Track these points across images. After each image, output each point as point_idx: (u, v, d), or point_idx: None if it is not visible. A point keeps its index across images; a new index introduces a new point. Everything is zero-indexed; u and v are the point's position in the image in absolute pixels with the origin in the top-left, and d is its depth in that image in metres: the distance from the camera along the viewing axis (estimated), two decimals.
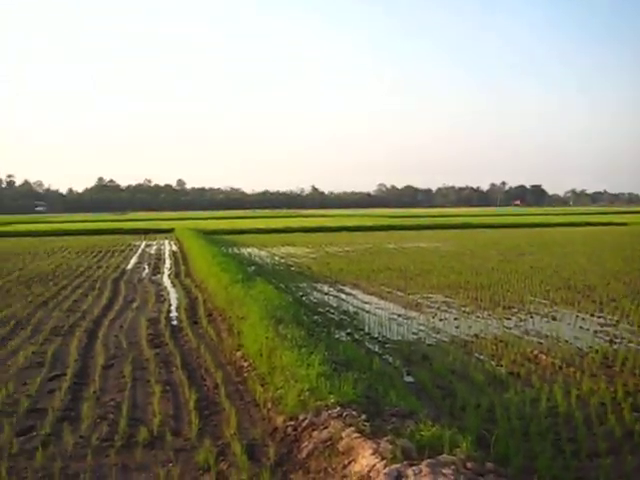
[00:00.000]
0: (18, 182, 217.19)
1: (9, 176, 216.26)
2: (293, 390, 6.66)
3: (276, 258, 26.30)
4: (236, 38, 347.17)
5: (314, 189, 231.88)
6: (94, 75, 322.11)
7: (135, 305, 14.63)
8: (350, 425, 5.66)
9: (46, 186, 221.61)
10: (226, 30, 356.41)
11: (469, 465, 4.71)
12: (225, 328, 11.49)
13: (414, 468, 4.65)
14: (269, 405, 7.06)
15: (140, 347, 10.42)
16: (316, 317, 12.56)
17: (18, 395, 7.92)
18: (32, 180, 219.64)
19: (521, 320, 12.25)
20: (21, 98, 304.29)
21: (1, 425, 6.82)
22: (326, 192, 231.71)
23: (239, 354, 9.37)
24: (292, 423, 6.25)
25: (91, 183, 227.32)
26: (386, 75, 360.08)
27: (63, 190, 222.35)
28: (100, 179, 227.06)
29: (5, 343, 10.87)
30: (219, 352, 9.99)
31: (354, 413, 5.94)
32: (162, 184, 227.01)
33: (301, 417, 6.21)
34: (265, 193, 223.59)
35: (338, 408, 6.06)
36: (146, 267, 23.79)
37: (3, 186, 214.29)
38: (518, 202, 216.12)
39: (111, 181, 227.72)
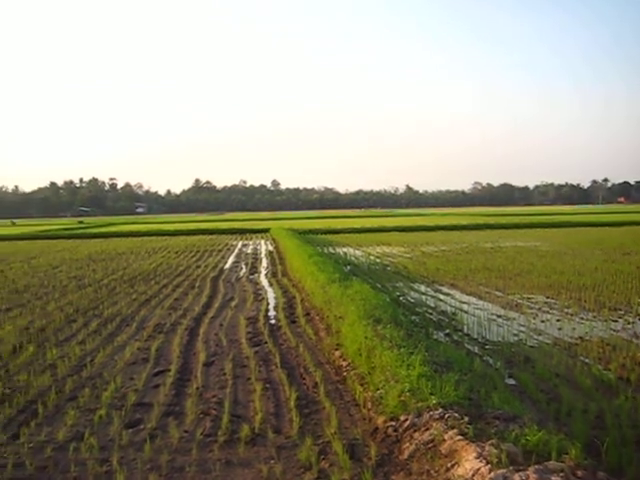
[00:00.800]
0: (120, 185, 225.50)
1: (111, 179, 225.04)
2: (393, 390, 6.62)
3: (371, 258, 26.24)
4: (329, 38, 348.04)
5: (408, 188, 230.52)
6: (192, 81, 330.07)
7: (234, 304, 14.90)
8: (452, 427, 5.58)
9: (146, 188, 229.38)
10: (318, 30, 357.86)
11: (579, 473, 4.54)
12: (323, 327, 11.55)
13: (520, 474, 4.53)
14: (369, 405, 7.04)
15: (240, 345, 10.60)
16: (414, 317, 12.45)
17: (126, 389, 8.20)
18: (133, 183, 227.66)
19: (629, 323, 11.75)
20: (129, 107, 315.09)
21: (111, 417, 7.08)
22: (420, 191, 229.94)
23: (338, 353, 9.40)
24: (393, 424, 6.21)
25: (188, 185, 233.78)
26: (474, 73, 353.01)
27: (162, 192, 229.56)
28: (197, 181, 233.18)
29: (112, 339, 11.27)
30: (317, 351, 10.05)
31: (456, 415, 5.85)
32: (257, 185, 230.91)
33: (402, 418, 6.16)
34: (359, 192, 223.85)
35: (440, 410, 5.98)
36: (243, 266, 24.20)
37: (106, 189, 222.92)
38: (622, 199, 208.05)
39: (207, 182, 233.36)
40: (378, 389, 7.11)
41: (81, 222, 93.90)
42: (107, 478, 5.60)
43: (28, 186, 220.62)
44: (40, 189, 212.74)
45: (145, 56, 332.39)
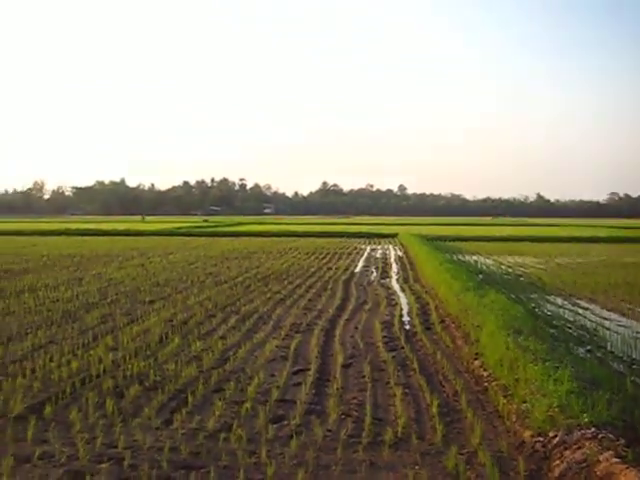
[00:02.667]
0: (249, 185, 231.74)
1: (241, 179, 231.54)
2: (540, 405, 6.46)
3: (503, 267, 25.70)
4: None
5: (539, 197, 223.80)
6: (319, 83, 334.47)
7: (367, 307, 14.99)
8: (608, 449, 5.38)
9: (274, 189, 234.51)
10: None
11: None
12: (460, 336, 11.42)
13: None
14: (513, 418, 6.90)
15: (376, 349, 10.65)
16: (552, 331, 12.08)
17: (268, 385, 8.42)
18: (262, 184, 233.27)
19: None
20: (261, 110, 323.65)
21: (256, 411, 7.30)
22: (552, 200, 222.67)
23: (477, 363, 9.27)
24: (541, 439, 6.07)
25: (315, 187, 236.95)
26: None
27: (289, 193, 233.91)
28: (324, 183, 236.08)
29: (251, 336, 11.61)
30: (455, 359, 9.96)
31: (610, 436, 5.64)
32: (384, 189, 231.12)
33: (551, 434, 6.00)
34: (486, 200, 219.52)
35: (592, 429, 5.78)
36: (374, 270, 24.30)
37: (236, 189, 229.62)
38: None
39: (334, 185, 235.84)
40: (523, 402, 6.97)
41: (205, 220, 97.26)
42: (256, 469, 5.78)
43: (163, 185, 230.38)
44: (174, 188, 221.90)
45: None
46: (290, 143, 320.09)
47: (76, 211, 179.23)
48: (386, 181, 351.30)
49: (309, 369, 9.28)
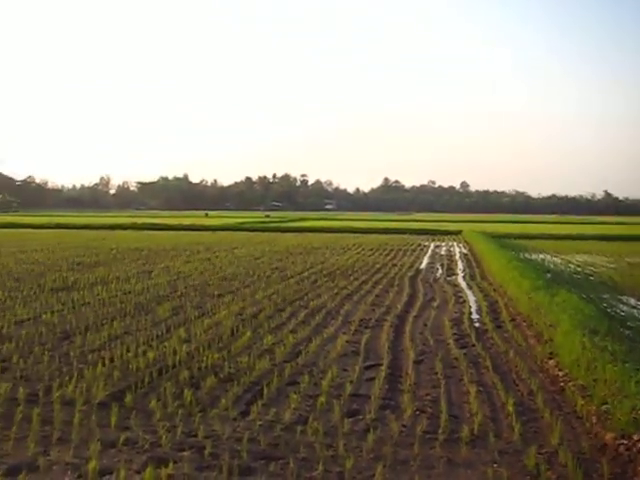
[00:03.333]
0: (310, 181, 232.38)
1: (303, 175, 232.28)
2: (623, 406, 6.33)
3: (571, 266, 25.20)
4: None
5: (607, 194, 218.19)
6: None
7: (435, 304, 14.90)
8: None
9: (335, 185, 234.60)
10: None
11: None
12: (532, 334, 11.25)
13: None
14: (593, 419, 6.78)
15: (447, 346, 10.59)
16: (627, 332, 11.80)
17: (341, 380, 8.46)
18: (323, 179, 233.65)
19: None
20: (323, 105, 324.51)
21: (331, 405, 7.35)
22: (620, 198, 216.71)
23: (552, 362, 9.13)
24: (624, 442, 5.95)
25: (377, 183, 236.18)
26: None
27: (350, 189, 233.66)
28: (386, 179, 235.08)
29: (321, 330, 11.67)
30: (528, 358, 9.81)
31: None
32: (446, 186, 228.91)
33: (635, 437, 5.88)
34: (552, 197, 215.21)
35: None
36: (439, 267, 24.14)
37: (297, 185, 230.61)
38: None
39: (396, 182, 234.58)
40: (603, 403, 6.84)
41: (267, 216, 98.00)
42: (334, 462, 5.82)
43: (226, 180, 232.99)
44: (236, 183, 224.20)
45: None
46: (352, 139, 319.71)
47: (140, 206, 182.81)
48: (448, 178, 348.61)
49: (381, 364, 9.28)
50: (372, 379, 8.56)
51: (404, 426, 6.78)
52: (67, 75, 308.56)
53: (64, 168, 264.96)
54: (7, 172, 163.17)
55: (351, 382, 8.33)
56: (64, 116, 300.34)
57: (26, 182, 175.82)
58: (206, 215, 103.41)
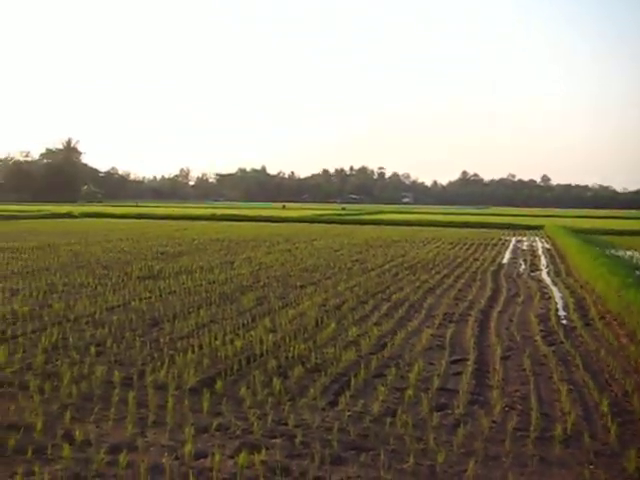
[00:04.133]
0: (388, 174, 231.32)
1: (380, 168, 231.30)
2: None
3: None
4: None
5: None
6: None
7: (520, 300, 14.62)
8: None
9: (413, 178, 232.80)
10: None
11: None
12: (623, 333, 10.91)
13: None
14: None
15: (534, 342, 10.38)
16: None
17: (427, 373, 8.42)
18: (400, 172, 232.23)
19: None
20: (397, 97, 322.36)
21: (419, 398, 7.31)
22: None
23: None
24: None
25: (455, 176, 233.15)
26: None
27: (428, 183, 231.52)
28: (464, 173, 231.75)
29: (405, 324, 11.62)
30: (621, 358, 9.51)
31: None
32: (526, 179, 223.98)
33: None
34: (639, 192, 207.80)
35: None
36: (522, 262, 23.66)
37: (375, 177, 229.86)
38: None
39: (475, 175, 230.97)
40: None
41: (344, 209, 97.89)
42: (424, 455, 5.79)
43: (303, 172, 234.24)
44: (313, 175, 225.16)
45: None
46: (428, 132, 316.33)
47: (218, 197, 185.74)
48: (528, 171, 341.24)
49: (467, 359, 9.18)
50: (459, 373, 8.48)
51: (494, 422, 6.68)
52: (148, 70, 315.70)
53: (145, 160, 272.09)
54: (91, 164, 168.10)
55: (438, 376, 8.25)
56: (145, 110, 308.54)
57: (109, 173, 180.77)
58: (283, 207, 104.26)
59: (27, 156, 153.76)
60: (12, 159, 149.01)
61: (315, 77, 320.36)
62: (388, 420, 6.60)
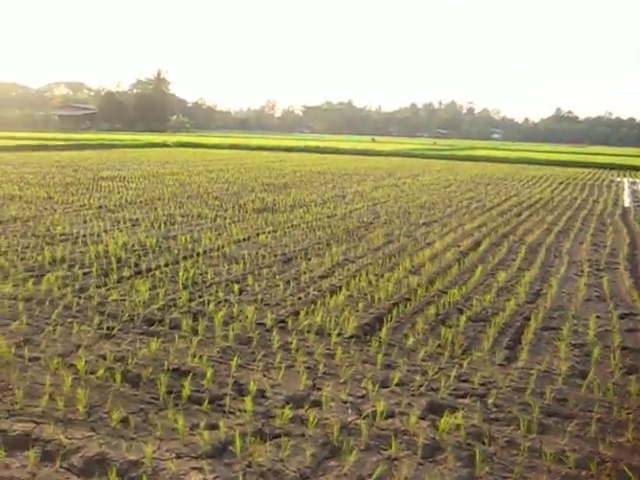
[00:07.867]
0: (477, 110, 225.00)
1: (469, 103, 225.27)
2: None
3: None
4: None
5: None
6: None
7: None
8: None
9: (503, 114, 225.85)
10: None
11: None
12: None
13: None
14: None
15: None
16: None
17: (600, 329, 7.65)
18: (490, 108, 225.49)
19: None
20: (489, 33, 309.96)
21: (606, 359, 6.61)
22: None
23: None
24: None
25: (549, 113, 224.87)
26: None
27: (519, 119, 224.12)
28: (558, 109, 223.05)
29: (549, 270, 10.82)
30: None
31: None
32: (624, 118, 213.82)
33: None
34: None
35: None
36: None
37: (464, 112, 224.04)
38: None
39: (569, 112, 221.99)
40: None
41: (434, 143, 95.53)
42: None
43: (390, 106, 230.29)
44: (400, 109, 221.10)
45: None
46: (520, 65, 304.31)
47: (304, 129, 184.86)
48: (627, 110, 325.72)
49: (636, 314, 8.38)
50: (633, 330, 7.71)
51: None
52: (237, 2, 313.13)
53: (232, 92, 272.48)
54: (180, 95, 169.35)
55: (613, 332, 7.51)
56: (232, 42, 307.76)
57: (197, 104, 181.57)
58: (373, 140, 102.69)
59: (119, 86, 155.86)
60: (105, 89, 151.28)
61: (402, 7, 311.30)
62: (580, 382, 5.94)
